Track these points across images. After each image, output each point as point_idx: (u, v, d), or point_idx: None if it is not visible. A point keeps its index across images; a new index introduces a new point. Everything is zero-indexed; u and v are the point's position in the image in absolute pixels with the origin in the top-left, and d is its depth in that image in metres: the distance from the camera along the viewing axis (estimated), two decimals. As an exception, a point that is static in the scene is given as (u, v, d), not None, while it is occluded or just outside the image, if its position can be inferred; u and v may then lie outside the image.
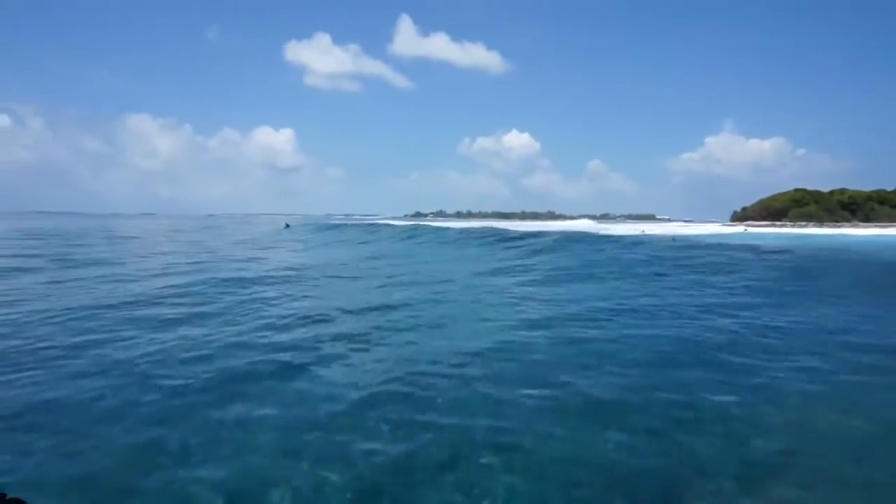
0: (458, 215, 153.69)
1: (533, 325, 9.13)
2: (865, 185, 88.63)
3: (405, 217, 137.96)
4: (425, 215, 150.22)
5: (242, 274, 15.99)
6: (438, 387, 5.89)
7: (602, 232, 38.90)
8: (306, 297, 12.23)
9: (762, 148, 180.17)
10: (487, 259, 22.98)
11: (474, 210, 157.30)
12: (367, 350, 7.48)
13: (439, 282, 14.96)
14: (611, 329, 8.88)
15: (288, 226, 59.99)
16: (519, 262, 21.14)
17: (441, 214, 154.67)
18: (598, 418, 5.11)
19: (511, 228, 43.68)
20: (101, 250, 25.67)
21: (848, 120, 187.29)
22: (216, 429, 4.80)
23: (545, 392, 5.73)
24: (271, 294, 12.30)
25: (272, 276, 15.74)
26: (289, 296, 12.17)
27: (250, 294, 12.20)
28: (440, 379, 6.15)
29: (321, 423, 4.95)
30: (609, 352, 7.42)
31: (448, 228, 43.86)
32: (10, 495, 1.17)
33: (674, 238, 31.86)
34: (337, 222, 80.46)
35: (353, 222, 74.45)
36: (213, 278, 14.62)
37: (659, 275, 16.41)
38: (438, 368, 6.54)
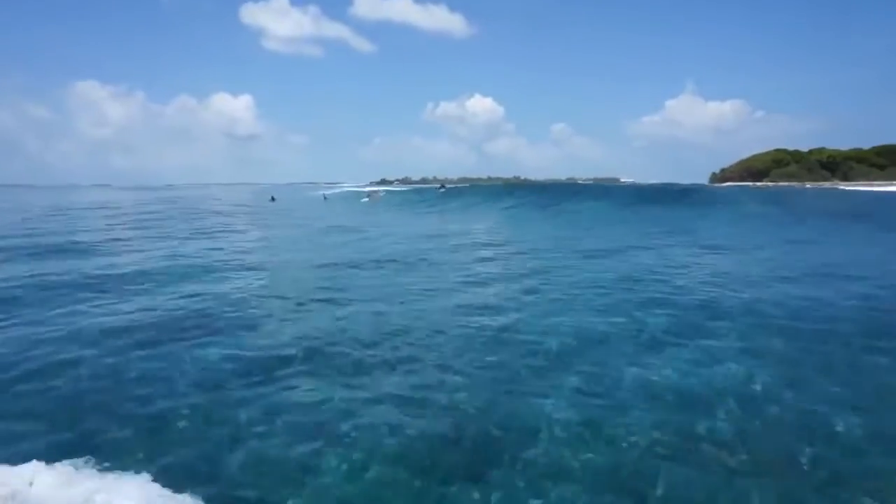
0: (424, 181, 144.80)
1: None
2: (831, 144, 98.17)
3: (370, 184, 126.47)
4: (391, 182, 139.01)
5: None
6: None
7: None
8: None
9: (722, 110, 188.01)
10: None
11: (440, 176, 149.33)
12: None
13: None
14: None
15: (273, 199, 52.83)
16: None
17: (407, 181, 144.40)
18: None
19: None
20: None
21: (808, 80, 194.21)
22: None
23: None
24: None
25: None
26: None
27: None
28: None
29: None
30: None
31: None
32: None
33: None
34: (367, 189, 69.25)
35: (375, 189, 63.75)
36: None
37: None
38: None
